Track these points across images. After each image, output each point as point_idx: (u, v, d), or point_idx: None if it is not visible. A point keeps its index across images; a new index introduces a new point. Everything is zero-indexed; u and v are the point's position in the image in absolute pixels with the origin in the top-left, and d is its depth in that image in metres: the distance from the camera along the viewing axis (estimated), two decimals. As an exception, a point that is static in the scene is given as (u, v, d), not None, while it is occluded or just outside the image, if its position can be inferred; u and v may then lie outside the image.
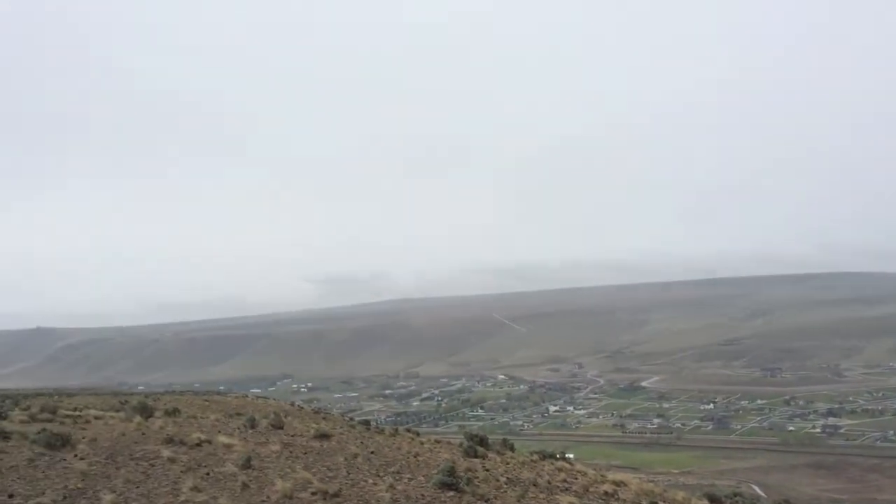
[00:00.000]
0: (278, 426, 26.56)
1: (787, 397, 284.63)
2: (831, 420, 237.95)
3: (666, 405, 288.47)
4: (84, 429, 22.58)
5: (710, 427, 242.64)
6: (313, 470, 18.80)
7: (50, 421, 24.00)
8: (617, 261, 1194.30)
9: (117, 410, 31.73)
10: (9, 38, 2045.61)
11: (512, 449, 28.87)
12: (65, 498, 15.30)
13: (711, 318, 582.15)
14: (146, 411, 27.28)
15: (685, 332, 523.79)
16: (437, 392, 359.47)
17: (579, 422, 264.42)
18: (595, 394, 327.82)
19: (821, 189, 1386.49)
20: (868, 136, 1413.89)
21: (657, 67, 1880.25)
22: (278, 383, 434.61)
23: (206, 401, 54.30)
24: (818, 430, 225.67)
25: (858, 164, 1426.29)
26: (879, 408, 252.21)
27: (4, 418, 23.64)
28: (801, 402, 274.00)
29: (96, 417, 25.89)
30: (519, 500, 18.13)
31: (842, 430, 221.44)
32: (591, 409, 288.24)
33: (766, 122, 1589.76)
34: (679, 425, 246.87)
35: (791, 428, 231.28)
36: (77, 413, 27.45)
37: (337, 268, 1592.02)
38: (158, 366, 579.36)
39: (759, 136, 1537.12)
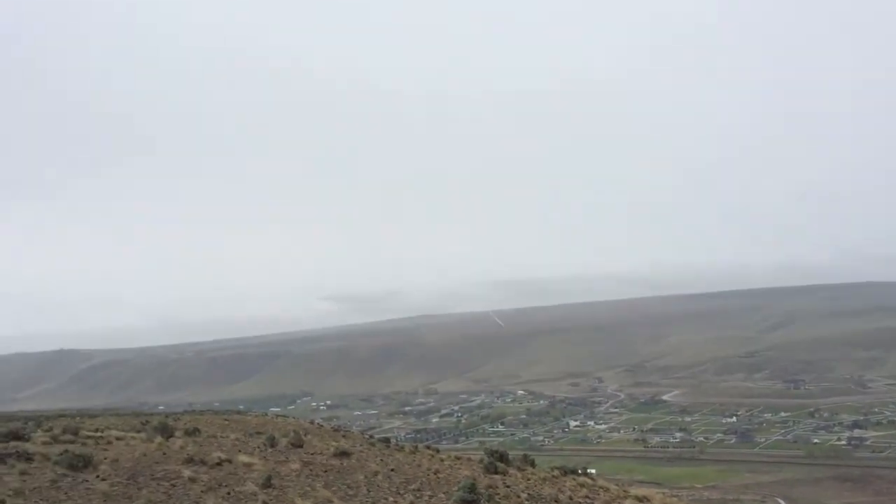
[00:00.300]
0: (298, 444, 26.57)
1: (810, 409, 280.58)
2: (857, 432, 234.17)
3: (688, 419, 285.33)
4: (105, 450, 22.71)
5: (733, 440, 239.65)
6: (333, 488, 18.76)
7: (72, 442, 24.14)
8: (633, 274, 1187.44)
9: (138, 431, 31.87)
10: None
11: (533, 465, 28.68)
12: (87, 519, 15.36)
13: (730, 330, 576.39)
14: (167, 431, 27.39)
15: (704, 344, 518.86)
16: (456, 408, 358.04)
17: (600, 437, 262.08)
18: (615, 408, 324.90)
19: (839, 197, 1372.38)
20: (885, 143, 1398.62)
21: (679, 79, 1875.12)
22: (298, 401, 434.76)
23: (226, 420, 54.44)
24: (843, 442, 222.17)
25: (876, 172, 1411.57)
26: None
27: (27, 440, 23.81)
28: (825, 414, 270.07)
29: (118, 438, 26.02)
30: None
31: (868, 442, 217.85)
32: (611, 424, 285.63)
33: (784, 132, 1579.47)
34: (702, 439, 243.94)
35: (816, 440, 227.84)
36: (99, 434, 27.60)
37: (354, 286, 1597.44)
38: (179, 385, 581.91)
39: (775, 146, 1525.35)
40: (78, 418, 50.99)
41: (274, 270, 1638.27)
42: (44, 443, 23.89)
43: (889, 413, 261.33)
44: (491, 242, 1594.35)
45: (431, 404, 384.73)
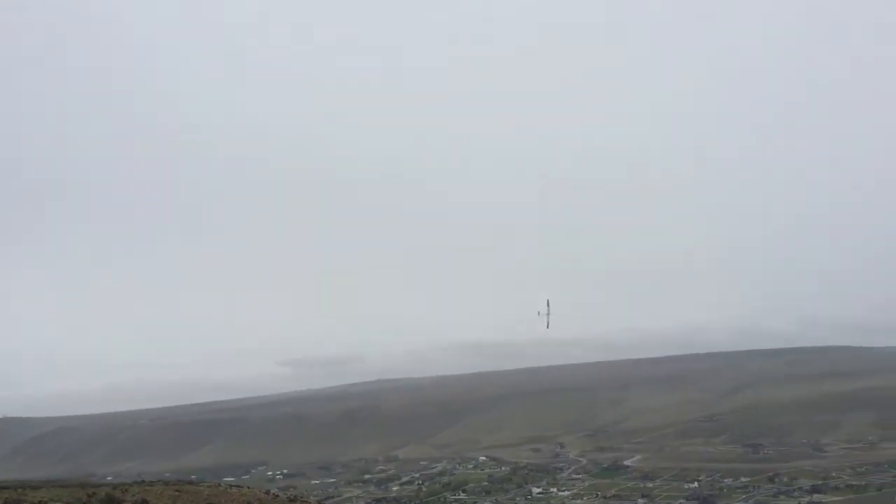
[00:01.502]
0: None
1: (770, 474, 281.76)
2: (816, 497, 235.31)
3: (650, 484, 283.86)
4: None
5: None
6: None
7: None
8: (597, 337, 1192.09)
9: (84, 503, 30.82)
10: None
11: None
12: None
13: (691, 393, 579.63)
14: (114, 503, 26.53)
15: (665, 408, 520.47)
16: (417, 476, 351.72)
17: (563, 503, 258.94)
18: (578, 474, 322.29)
19: (799, 263, 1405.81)
20: (841, 211, 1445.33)
21: (634, 131, 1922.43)
22: (253, 471, 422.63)
23: (177, 491, 52.86)
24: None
25: (832, 239, 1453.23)
26: (863, 483, 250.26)
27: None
28: (784, 479, 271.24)
29: (61, 512, 25.08)
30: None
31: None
32: (574, 491, 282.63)
33: (744, 197, 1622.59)
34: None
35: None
36: (41, 507, 26.59)
37: (314, 350, 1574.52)
38: (131, 454, 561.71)
39: (738, 209, 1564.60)
40: (20, 490, 48.90)
41: (230, 334, 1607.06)
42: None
43: (847, 477, 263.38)
44: (454, 305, 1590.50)
45: (392, 472, 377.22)
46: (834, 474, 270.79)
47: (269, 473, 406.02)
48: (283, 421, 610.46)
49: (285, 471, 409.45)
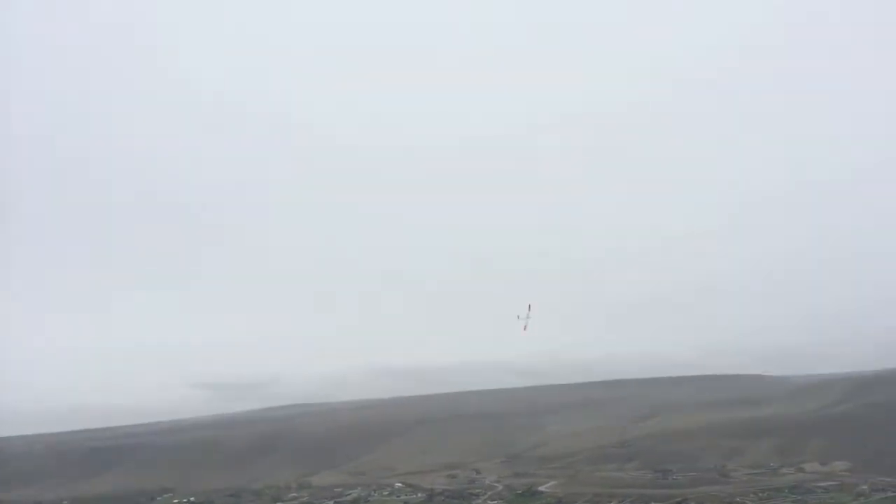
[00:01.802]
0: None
1: (679, 499, 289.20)
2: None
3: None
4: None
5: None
6: None
7: None
8: (517, 362, 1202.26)
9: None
10: None
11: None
12: None
13: (604, 419, 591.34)
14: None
15: (580, 434, 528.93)
16: (331, 503, 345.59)
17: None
18: (493, 500, 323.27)
19: (706, 292, 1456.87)
20: (742, 242, 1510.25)
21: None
22: (158, 498, 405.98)
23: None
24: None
25: (742, 267, 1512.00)
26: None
27: None
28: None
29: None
30: None
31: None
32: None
33: (658, 223, 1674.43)
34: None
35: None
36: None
37: (227, 372, 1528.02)
38: (26, 480, 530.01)
39: (645, 236, 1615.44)
40: None
41: (139, 353, 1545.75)
42: None
43: (750, 503, 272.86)
44: (373, 327, 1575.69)
45: (305, 499, 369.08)
46: (738, 499, 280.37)
47: (175, 501, 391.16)
48: (192, 446, 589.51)
49: (192, 499, 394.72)
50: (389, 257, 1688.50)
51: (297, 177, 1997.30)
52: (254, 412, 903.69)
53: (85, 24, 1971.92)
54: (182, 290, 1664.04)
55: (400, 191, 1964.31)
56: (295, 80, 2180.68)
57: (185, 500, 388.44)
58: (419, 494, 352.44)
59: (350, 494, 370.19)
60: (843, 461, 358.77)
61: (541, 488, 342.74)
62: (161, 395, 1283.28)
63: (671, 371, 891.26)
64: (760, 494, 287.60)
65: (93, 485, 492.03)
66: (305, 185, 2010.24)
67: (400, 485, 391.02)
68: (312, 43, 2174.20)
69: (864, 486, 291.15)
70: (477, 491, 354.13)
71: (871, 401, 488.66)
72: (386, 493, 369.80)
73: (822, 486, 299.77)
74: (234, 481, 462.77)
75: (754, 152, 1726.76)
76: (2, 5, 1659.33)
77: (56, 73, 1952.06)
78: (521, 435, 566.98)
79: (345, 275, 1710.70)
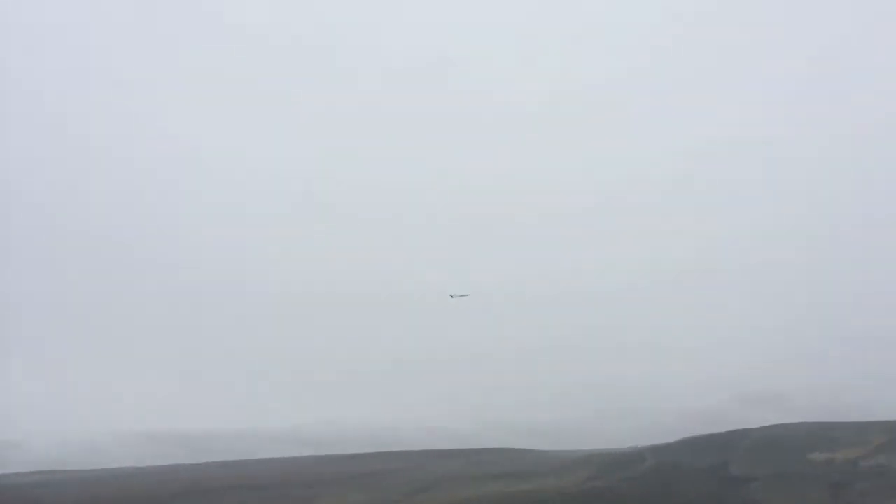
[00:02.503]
0: None
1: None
2: None
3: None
4: None
5: None
6: None
7: None
8: (293, 432, 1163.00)
9: None
10: None
11: None
12: None
13: (379, 492, 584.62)
14: None
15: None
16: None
17: None
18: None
19: (483, 365, 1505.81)
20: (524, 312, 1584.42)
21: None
22: None
23: None
24: None
25: (518, 339, 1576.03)
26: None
27: None
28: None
29: None
30: None
31: None
32: None
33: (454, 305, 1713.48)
34: None
35: None
36: None
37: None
38: None
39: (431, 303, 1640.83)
40: None
41: None
42: None
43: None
44: (138, 388, 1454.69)
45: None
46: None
47: None
48: None
49: None
50: (156, 306, 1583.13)
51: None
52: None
53: None
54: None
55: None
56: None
57: None
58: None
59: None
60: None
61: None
62: None
63: (448, 444, 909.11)
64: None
65: None
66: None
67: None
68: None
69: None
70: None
71: (626, 475, 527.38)
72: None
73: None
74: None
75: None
76: None
77: None
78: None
79: (106, 324, 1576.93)
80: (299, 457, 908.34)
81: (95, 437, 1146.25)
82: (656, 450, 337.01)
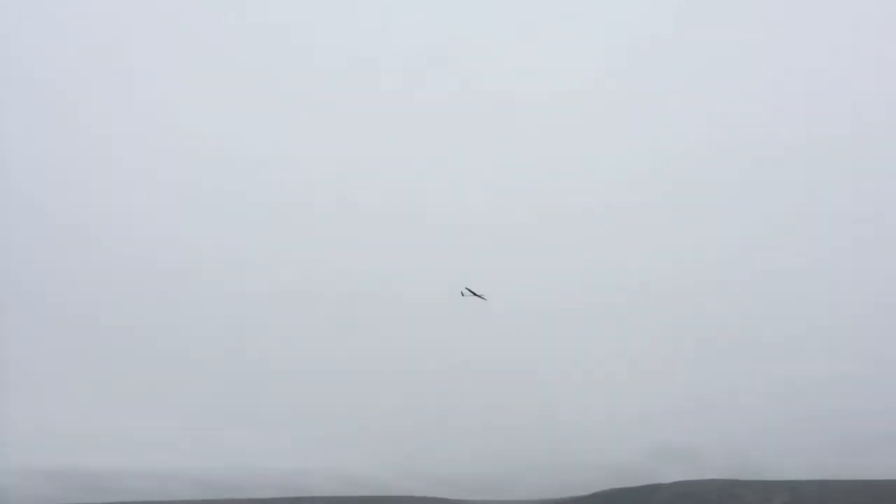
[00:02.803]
0: None
1: None
2: None
3: None
4: None
5: None
6: None
7: None
8: (199, 474, 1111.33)
9: None
10: None
11: None
12: None
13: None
14: None
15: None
16: None
17: None
18: None
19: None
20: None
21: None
22: None
23: None
24: None
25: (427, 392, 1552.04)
26: None
27: None
28: None
29: None
30: None
31: None
32: None
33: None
34: None
35: None
36: None
37: None
38: None
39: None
40: None
41: None
42: None
43: None
44: (35, 420, 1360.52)
45: None
46: None
47: None
48: None
49: None
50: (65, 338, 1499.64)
51: None
52: None
53: None
54: None
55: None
56: None
57: None
58: None
59: None
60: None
61: None
62: None
63: (364, 490, 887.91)
64: None
65: None
66: None
67: None
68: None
69: None
70: None
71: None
72: None
73: None
74: None
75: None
76: None
77: None
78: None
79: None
80: (206, 499, 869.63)
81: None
82: (573, 502, 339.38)
